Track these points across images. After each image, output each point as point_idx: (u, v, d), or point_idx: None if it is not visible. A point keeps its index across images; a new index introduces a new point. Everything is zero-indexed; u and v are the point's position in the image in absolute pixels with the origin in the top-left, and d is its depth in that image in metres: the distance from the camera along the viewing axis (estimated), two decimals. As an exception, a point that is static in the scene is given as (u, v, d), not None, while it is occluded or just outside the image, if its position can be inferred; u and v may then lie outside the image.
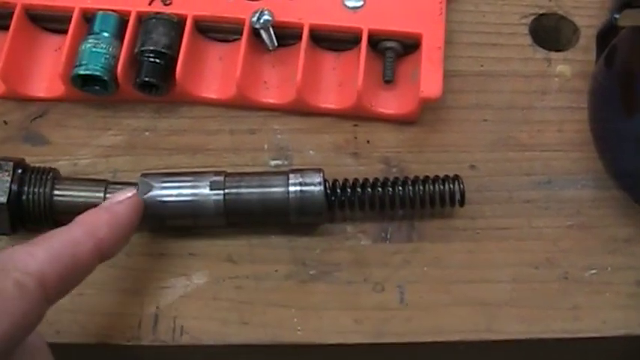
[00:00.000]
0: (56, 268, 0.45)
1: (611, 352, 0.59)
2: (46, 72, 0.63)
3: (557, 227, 0.59)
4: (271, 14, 0.60)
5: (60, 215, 0.56)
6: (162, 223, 0.56)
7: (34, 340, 0.46)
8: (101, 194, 0.55)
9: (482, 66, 0.65)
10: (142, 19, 0.61)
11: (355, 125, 0.62)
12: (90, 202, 0.55)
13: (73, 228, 0.49)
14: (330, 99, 0.62)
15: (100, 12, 0.62)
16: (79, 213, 0.55)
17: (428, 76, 0.59)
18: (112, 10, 0.62)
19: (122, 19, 0.62)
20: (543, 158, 0.61)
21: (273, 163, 0.61)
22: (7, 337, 0.41)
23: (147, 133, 0.62)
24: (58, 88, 0.62)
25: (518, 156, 0.61)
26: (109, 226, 0.50)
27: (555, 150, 0.62)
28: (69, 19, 0.61)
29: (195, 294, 0.56)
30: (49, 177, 0.55)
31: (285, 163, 0.60)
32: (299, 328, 0.55)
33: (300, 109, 0.62)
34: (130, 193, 0.53)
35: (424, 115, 0.62)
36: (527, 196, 0.60)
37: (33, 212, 0.55)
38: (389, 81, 0.61)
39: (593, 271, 0.57)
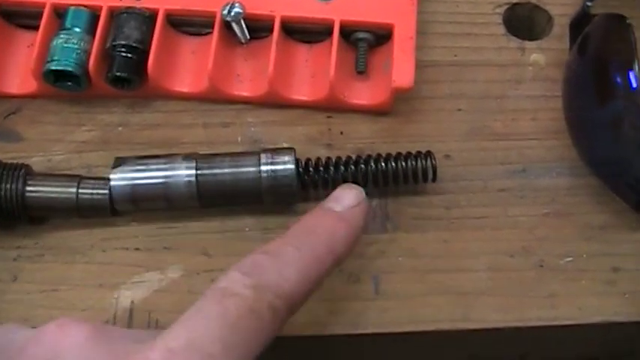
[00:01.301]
0: (304, 291, 0.46)
1: (587, 339, 0.59)
2: (18, 68, 0.63)
3: (533, 215, 0.59)
4: (242, 7, 0.60)
5: (33, 211, 0.56)
6: (136, 207, 0.56)
7: None
8: (74, 189, 0.55)
9: (456, 56, 0.65)
10: (114, 13, 0.61)
11: (329, 117, 0.62)
12: (63, 198, 0.55)
13: (314, 241, 0.49)
14: (303, 91, 0.62)
15: (72, 7, 0.61)
16: (53, 209, 0.56)
17: (400, 66, 0.59)
18: (84, 6, 0.61)
19: (94, 14, 0.61)
20: (518, 147, 0.61)
21: (246, 156, 0.60)
22: (254, 358, 0.43)
23: (120, 128, 0.62)
24: (30, 85, 0.61)
25: (492, 145, 0.61)
26: (346, 240, 0.50)
27: (530, 139, 0.62)
28: (40, 15, 0.61)
29: (170, 288, 0.55)
30: (20, 173, 0.55)
31: (259, 155, 0.60)
32: (274, 320, 0.55)
33: (273, 102, 0.62)
34: (360, 194, 0.53)
35: (398, 105, 0.62)
36: (503, 185, 0.60)
37: (6, 208, 0.55)
38: (361, 72, 0.61)
39: (569, 259, 0.57)
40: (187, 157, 0.55)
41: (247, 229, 0.57)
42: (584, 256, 0.57)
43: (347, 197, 0.52)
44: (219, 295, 0.43)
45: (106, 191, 0.55)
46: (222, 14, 0.60)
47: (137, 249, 0.57)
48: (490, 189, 0.60)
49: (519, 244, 0.57)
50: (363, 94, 0.62)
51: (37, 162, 0.59)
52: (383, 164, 0.56)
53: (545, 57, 0.65)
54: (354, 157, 0.57)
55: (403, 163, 0.57)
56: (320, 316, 0.55)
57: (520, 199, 0.59)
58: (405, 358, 0.61)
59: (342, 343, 0.56)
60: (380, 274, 0.56)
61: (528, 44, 0.66)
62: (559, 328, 0.55)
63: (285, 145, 0.60)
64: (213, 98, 0.62)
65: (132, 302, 0.55)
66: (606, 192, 0.58)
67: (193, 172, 0.55)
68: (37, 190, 0.55)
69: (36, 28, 0.62)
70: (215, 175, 0.55)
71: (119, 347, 0.42)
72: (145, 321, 0.54)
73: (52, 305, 0.55)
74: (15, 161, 0.57)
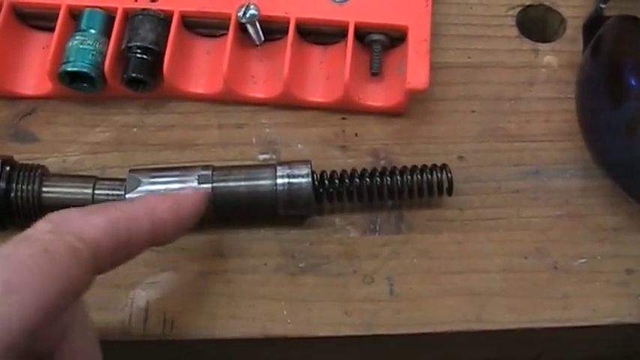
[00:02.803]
0: (111, 240, 0.44)
1: (600, 340, 0.59)
2: (33, 70, 0.63)
3: (546, 217, 0.59)
4: (257, 9, 0.60)
5: (49, 211, 0.56)
6: (152, 219, 0.56)
7: (85, 346, 0.45)
8: (89, 190, 0.55)
9: (469, 58, 0.65)
10: (129, 15, 0.61)
11: (343, 118, 0.62)
12: (78, 199, 0.55)
13: (133, 204, 0.48)
14: (317, 92, 0.62)
15: (87, 9, 0.61)
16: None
17: (414, 68, 0.59)
18: (99, 7, 0.62)
19: (109, 16, 0.61)
20: (531, 149, 0.61)
21: (261, 157, 0.60)
22: (53, 303, 0.39)
23: (135, 130, 0.62)
24: (45, 86, 0.62)
25: (506, 146, 0.61)
26: (170, 212, 0.49)
27: (543, 140, 0.62)
28: (56, 17, 0.61)
29: (185, 288, 0.56)
30: (37, 174, 0.55)
31: (274, 157, 0.60)
32: (289, 320, 0.55)
33: (287, 103, 0.62)
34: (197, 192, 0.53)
35: (412, 107, 0.62)
36: (516, 186, 0.60)
37: (22, 209, 0.55)
38: (376, 73, 0.61)
39: (583, 260, 0.57)
40: (203, 169, 0.55)
41: (262, 230, 0.58)
42: (598, 257, 0.57)
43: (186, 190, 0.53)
44: (16, 241, 0.41)
45: (122, 192, 0.55)
46: (237, 16, 0.60)
47: (152, 249, 0.57)
48: (504, 190, 0.60)
49: (533, 246, 0.58)
50: (378, 95, 0.62)
51: (51, 163, 0.59)
52: (398, 177, 0.57)
53: (559, 59, 0.65)
54: (369, 169, 0.57)
55: (419, 176, 0.57)
56: (334, 317, 0.55)
57: (533, 201, 0.59)
58: (419, 359, 0.61)
59: (357, 344, 0.56)
60: (394, 275, 0.56)
61: (542, 46, 0.66)
62: (572, 329, 0.55)
63: (300, 146, 0.61)
64: (228, 99, 0.62)
65: (147, 302, 0.55)
66: (619, 193, 0.58)
67: (209, 185, 0.55)
68: (53, 190, 0.56)
69: (51, 29, 0.62)
70: (231, 188, 0.55)
71: None
72: (160, 321, 0.54)
73: (65, 304, 0.55)
74: (30, 162, 0.57)
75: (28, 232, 0.43)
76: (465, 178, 0.60)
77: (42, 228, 0.43)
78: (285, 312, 0.55)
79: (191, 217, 0.51)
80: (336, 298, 0.55)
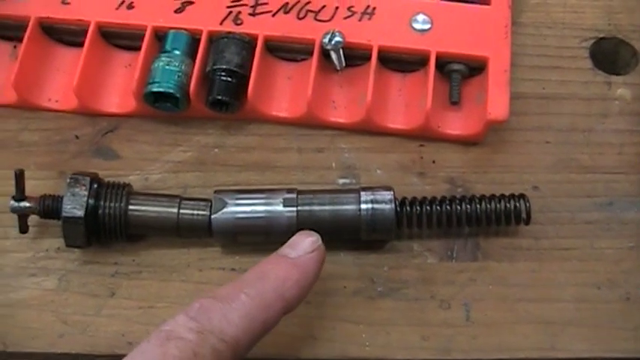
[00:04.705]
0: (249, 335, 0.47)
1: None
2: (117, 88, 0.64)
3: (619, 248, 0.59)
4: (342, 36, 0.61)
5: (134, 229, 0.57)
6: (234, 239, 0.57)
7: None
8: (175, 210, 0.57)
9: (544, 89, 0.66)
10: (213, 38, 0.63)
11: (421, 145, 0.63)
12: (163, 217, 0.57)
13: (264, 286, 0.49)
14: (397, 119, 0.63)
15: (172, 30, 0.63)
16: (153, 227, 0.57)
17: (495, 99, 0.60)
18: (184, 29, 0.63)
19: (193, 38, 0.63)
20: (604, 180, 0.62)
21: (341, 181, 0.62)
22: None
23: (216, 150, 0.63)
24: (128, 104, 0.63)
25: (579, 178, 0.62)
26: (298, 286, 0.50)
27: (616, 172, 0.62)
28: (140, 37, 0.63)
29: (265, 309, 0.56)
30: (124, 192, 0.57)
31: (353, 181, 0.62)
32: (367, 343, 0.56)
33: (367, 129, 0.63)
34: (317, 241, 0.52)
35: (487, 136, 0.63)
36: (590, 217, 0.61)
37: (108, 226, 0.56)
38: (455, 102, 0.62)
39: (655, 293, 0.58)
40: (288, 193, 0.57)
41: (342, 253, 0.59)
42: (670, 290, 0.58)
43: (303, 244, 0.52)
44: (163, 338, 0.44)
45: (206, 212, 0.56)
46: (322, 42, 0.61)
47: (233, 269, 0.58)
48: (577, 221, 0.60)
49: (605, 276, 0.58)
50: (456, 124, 0.63)
51: (133, 180, 0.61)
52: (477, 205, 0.57)
53: (631, 92, 0.66)
54: (448, 196, 0.58)
55: (497, 205, 0.58)
56: (412, 341, 0.56)
57: (606, 232, 0.60)
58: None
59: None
60: (471, 301, 0.57)
61: (614, 79, 0.67)
62: (644, 360, 0.56)
63: (378, 172, 0.62)
64: (308, 123, 0.63)
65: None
66: (691, 228, 0.59)
67: (294, 208, 0.56)
68: (139, 209, 0.57)
69: (133, 48, 0.64)
70: (315, 212, 0.56)
71: None
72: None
73: (148, 322, 0.56)
74: (112, 179, 0.58)
75: (172, 326, 0.45)
76: (540, 207, 0.60)
77: (185, 324, 0.45)
78: (363, 335, 0.56)
79: (315, 279, 0.52)
80: (414, 323, 0.56)
